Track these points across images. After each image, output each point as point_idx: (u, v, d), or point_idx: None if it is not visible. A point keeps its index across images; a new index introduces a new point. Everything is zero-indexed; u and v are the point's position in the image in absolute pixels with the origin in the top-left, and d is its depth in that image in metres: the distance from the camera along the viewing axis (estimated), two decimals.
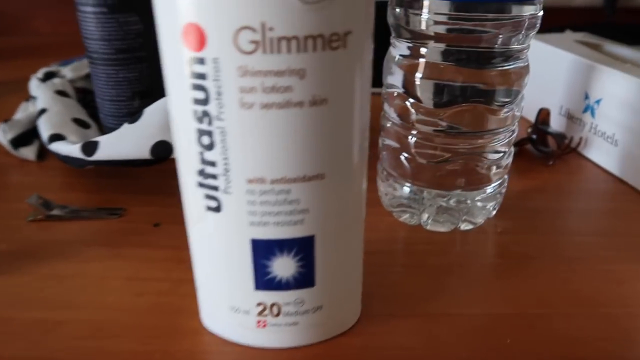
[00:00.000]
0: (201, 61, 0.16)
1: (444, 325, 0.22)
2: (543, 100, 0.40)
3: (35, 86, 0.40)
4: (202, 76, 0.16)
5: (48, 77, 0.41)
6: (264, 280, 0.19)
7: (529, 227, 0.29)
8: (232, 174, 0.17)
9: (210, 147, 0.17)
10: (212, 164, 0.17)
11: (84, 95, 0.40)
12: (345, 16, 0.15)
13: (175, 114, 0.17)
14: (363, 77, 0.17)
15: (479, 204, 0.28)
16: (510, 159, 0.28)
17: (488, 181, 0.27)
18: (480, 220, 0.28)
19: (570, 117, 0.38)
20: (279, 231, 0.18)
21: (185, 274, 0.24)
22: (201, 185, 0.18)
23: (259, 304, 0.19)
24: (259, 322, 0.20)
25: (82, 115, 0.37)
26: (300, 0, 0.14)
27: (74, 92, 0.40)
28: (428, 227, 0.28)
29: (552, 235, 0.28)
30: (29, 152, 0.37)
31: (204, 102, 0.16)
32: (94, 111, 0.38)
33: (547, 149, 0.36)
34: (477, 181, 0.27)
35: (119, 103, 0.34)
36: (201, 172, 0.18)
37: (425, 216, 0.28)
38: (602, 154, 0.35)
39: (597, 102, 0.35)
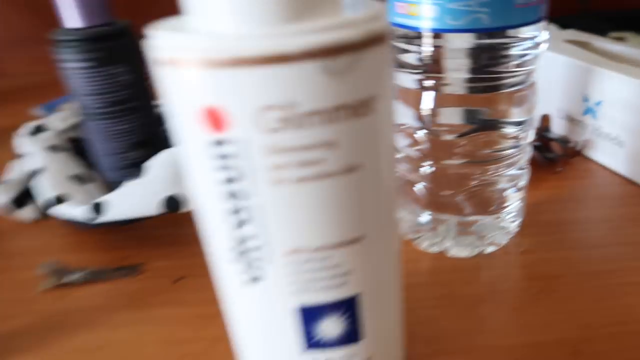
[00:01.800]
0: (225, 143, 0.15)
1: (481, 358, 0.22)
2: (540, 105, 0.40)
3: (24, 143, 0.39)
4: (226, 157, 0.15)
5: (37, 131, 0.40)
6: (312, 342, 0.18)
7: (551, 243, 0.29)
8: (270, 247, 0.16)
9: (243, 223, 0.16)
10: (249, 238, 0.16)
11: (78, 144, 0.39)
12: (369, 82, 0.15)
13: (201, 195, 0.17)
14: (391, 138, 0.17)
15: (499, 225, 0.27)
16: (526, 178, 0.28)
17: (507, 202, 0.27)
18: (502, 241, 0.28)
19: (571, 120, 0.38)
20: (323, 296, 0.17)
21: (218, 330, 0.24)
22: (238, 258, 0.17)
23: None
24: None
25: (80, 169, 0.35)
26: (325, 72, 0.14)
27: (67, 143, 0.39)
28: (451, 254, 0.28)
29: (576, 250, 0.28)
30: (28, 214, 0.35)
31: (231, 181, 0.16)
32: (91, 160, 0.37)
33: (552, 155, 0.36)
34: (495, 204, 0.27)
35: (116, 156, 0.33)
36: (237, 246, 0.17)
37: (447, 243, 0.28)
38: (608, 155, 0.35)
39: (598, 104, 0.35)
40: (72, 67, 0.30)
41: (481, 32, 0.22)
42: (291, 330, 0.18)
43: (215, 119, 0.15)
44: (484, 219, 0.27)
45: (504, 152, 0.26)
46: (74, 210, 0.30)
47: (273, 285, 0.17)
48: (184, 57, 0.14)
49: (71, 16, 0.29)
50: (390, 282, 0.19)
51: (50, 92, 0.62)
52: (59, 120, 0.41)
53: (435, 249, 0.28)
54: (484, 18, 0.22)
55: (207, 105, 0.14)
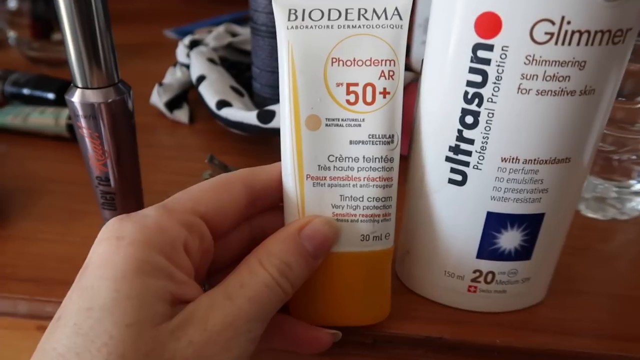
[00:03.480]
0: (489, 48, 0.17)
1: (615, 303, 0.24)
2: None
3: (183, 53, 0.42)
4: (485, 61, 0.17)
5: (194, 44, 0.43)
6: (487, 250, 0.21)
7: None
8: (487, 152, 0.19)
9: (472, 126, 0.19)
10: (470, 141, 0.19)
11: (228, 64, 0.43)
12: (631, 14, 0.17)
13: (435, 94, 0.19)
14: (621, 72, 0.18)
15: (634, 196, 0.29)
16: None
17: None
18: (634, 213, 0.30)
19: None
20: (516, 207, 0.20)
21: None
22: (449, 159, 0.20)
23: (475, 271, 0.21)
24: (470, 287, 0.22)
25: (234, 83, 0.39)
26: None
27: (220, 60, 0.42)
28: (585, 214, 0.30)
29: None
30: (182, 116, 0.39)
31: (479, 85, 0.18)
32: (241, 80, 0.40)
33: None
34: (637, 177, 0.28)
35: (277, 74, 0.36)
36: (454, 148, 0.19)
37: (583, 204, 0.29)
38: None
39: None
40: None
41: None
42: (474, 234, 0.21)
43: (487, 26, 0.17)
44: (623, 189, 0.28)
45: None
46: (242, 114, 0.33)
47: (474, 189, 0.20)
48: None
49: None
50: (570, 208, 0.21)
51: (172, 16, 0.67)
52: (212, 39, 0.44)
53: None
54: None
55: (485, 11, 0.17)
